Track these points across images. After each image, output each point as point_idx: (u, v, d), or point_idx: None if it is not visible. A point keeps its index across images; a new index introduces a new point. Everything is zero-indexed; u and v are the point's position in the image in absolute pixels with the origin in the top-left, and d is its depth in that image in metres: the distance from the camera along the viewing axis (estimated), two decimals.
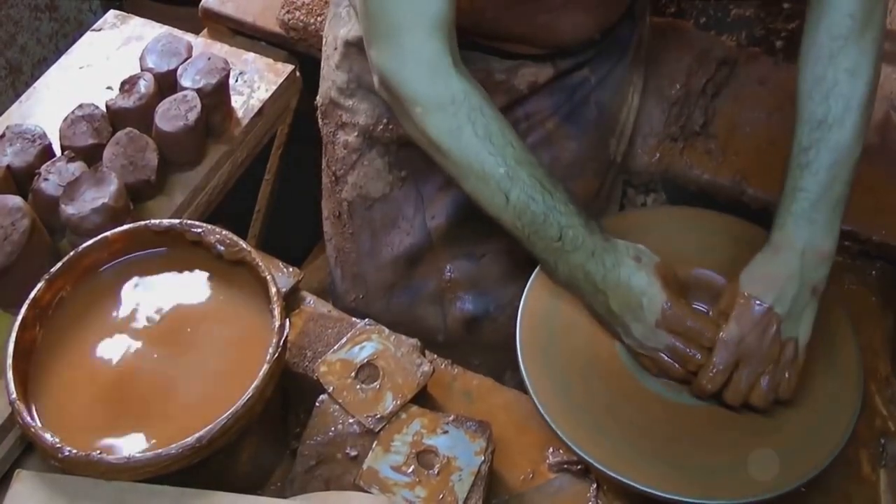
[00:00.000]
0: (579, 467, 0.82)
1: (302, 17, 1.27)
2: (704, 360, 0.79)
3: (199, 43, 1.18)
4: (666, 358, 0.80)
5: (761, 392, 0.78)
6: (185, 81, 1.03)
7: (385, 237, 1.05)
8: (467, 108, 0.78)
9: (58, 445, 0.70)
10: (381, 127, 1.01)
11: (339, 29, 1.01)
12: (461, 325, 1.06)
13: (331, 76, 1.04)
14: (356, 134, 1.03)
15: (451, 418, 0.78)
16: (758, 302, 0.78)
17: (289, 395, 0.85)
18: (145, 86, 1.02)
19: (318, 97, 1.09)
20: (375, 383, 0.80)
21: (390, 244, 1.05)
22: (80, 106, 1.01)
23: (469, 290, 1.05)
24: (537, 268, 0.92)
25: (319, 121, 1.10)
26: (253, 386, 0.73)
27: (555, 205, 0.79)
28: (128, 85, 1.03)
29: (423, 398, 0.82)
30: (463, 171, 0.80)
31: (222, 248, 0.82)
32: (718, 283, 0.86)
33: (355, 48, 0.98)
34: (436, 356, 0.89)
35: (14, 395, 0.73)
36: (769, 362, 0.78)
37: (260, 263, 0.80)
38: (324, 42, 1.07)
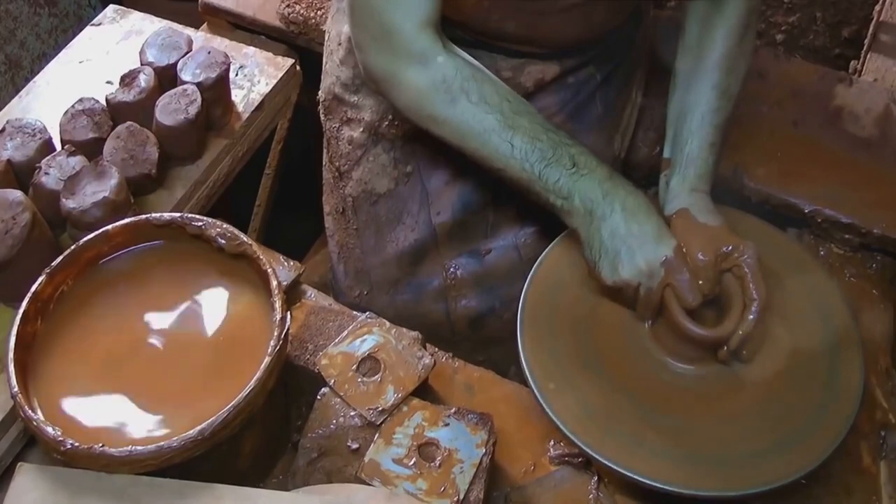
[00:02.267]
0: (580, 460, 0.82)
1: (302, 11, 1.27)
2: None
3: (199, 37, 1.18)
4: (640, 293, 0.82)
5: None
6: (185, 75, 1.03)
7: (390, 233, 1.05)
8: (459, 80, 0.83)
9: (60, 439, 0.70)
10: (387, 123, 1.01)
11: (342, 24, 1.01)
12: (466, 321, 1.06)
13: (335, 72, 1.04)
14: (361, 129, 1.03)
15: (452, 411, 0.78)
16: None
17: (290, 389, 0.86)
18: (145, 80, 1.02)
19: (320, 92, 1.09)
20: (377, 376, 0.80)
21: (395, 240, 1.05)
22: (81, 100, 1.01)
23: (473, 287, 1.05)
24: (538, 262, 0.92)
25: (322, 116, 1.09)
26: (254, 379, 0.73)
27: (560, 139, 0.84)
28: (128, 79, 1.03)
29: (424, 391, 0.82)
30: (464, 135, 0.84)
31: (223, 241, 0.82)
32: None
33: None
34: (437, 349, 0.89)
35: (16, 389, 0.73)
36: None
37: (261, 257, 0.80)
38: (326, 37, 1.07)
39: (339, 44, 1.02)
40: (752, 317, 0.81)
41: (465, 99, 0.82)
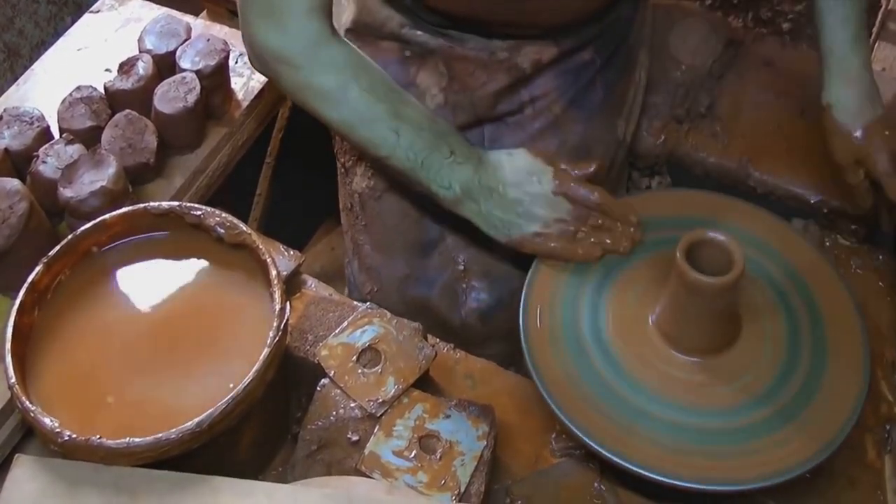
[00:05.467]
0: (582, 452, 0.81)
1: None
2: (604, 221, 0.87)
3: (199, 24, 1.17)
4: (571, 228, 0.87)
5: None
6: (184, 63, 1.02)
7: (396, 228, 1.04)
8: (352, 67, 0.85)
9: (57, 430, 0.69)
10: None
11: (341, 16, 1.00)
12: (476, 314, 1.05)
13: None
14: None
15: (453, 403, 0.78)
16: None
17: (290, 380, 0.85)
18: (144, 67, 1.01)
19: None
20: (377, 367, 0.79)
21: (401, 235, 1.04)
22: (78, 88, 1.00)
23: (482, 279, 1.04)
24: (537, 257, 0.91)
25: None
26: (254, 370, 0.72)
27: (440, 130, 0.87)
28: (126, 66, 1.02)
29: (425, 382, 0.81)
30: (353, 122, 0.86)
31: (222, 230, 0.82)
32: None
33: (354, 34, 0.97)
34: (438, 340, 0.89)
35: (13, 380, 0.72)
36: None
37: (260, 246, 0.80)
38: None
39: None
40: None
41: (357, 85, 0.84)
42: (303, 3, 0.82)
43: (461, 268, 1.03)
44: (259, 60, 0.87)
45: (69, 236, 0.82)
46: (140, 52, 1.05)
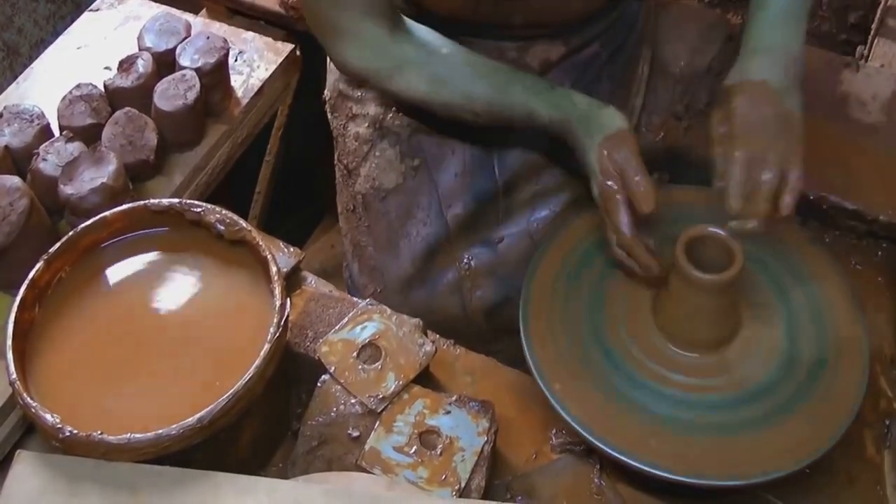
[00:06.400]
0: (582, 448, 0.81)
1: None
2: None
3: (198, 22, 1.17)
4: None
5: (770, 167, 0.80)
6: (183, 61, 1.02)
7: (401, 229, 1.03)
8: (413, 66, 0.89)
9: (58, 426, 0.69)
10: (391, 115, 1.00)
11: None
12: (482, 313, 1.05)
13: None
14: (367, 125, 1.02)
15: (453, 398, 0.78)
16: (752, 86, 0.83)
17: (290, 376, 0.85)
18: (143, 65, 1.01)
19: (326, 91, 1.08)
20: (377, 363, 0.79)
21: (407, 236, 1.03)
22: (79, 86, 1.00)
23: (488, 277, 1.03)
24: (540, 250, 0.91)
25: (329, 115, 1.09)
26: (254, 366, 0.72)
27: (514, 100, 0.89)
28: (126, 64, 1.02)
29: (425, 378, 0.82)
30: (434, 108, 0.92)
31: (222, 227, 0.82)
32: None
33: None
34: (438, 336, 0.89)
35: (14, 376, 0.72)
36: (777, 134, 0.81)
37: (260, 243, 0.80)
38: None
39: None
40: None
41: (422, 82, 0.88)
42: (355, 14, 0.86)
43: (467, 266, 1.03)
44: (354, 79, 0.94)
45: (69, 233, 0.82)
46: (140, 49, 1.05)
